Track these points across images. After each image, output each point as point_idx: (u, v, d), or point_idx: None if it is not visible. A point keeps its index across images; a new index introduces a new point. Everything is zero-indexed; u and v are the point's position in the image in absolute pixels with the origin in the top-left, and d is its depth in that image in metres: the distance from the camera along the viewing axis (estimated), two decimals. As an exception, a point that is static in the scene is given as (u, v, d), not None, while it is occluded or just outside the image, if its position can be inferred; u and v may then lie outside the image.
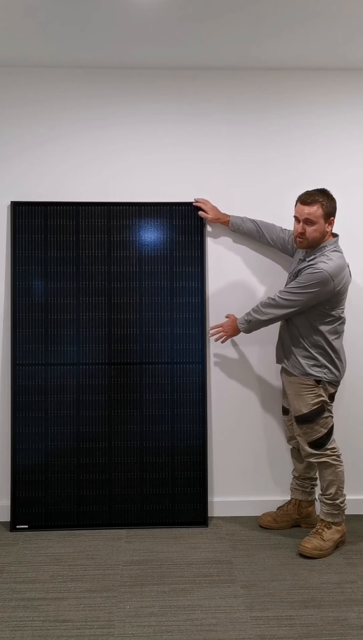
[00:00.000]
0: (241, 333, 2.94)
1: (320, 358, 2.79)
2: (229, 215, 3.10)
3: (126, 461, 3.11)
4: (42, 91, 3.12)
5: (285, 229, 3.05)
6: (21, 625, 2.25)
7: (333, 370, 2.82)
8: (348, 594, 2.47)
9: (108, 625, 2.25)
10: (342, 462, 2.85)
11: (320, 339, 2.78)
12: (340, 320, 2.82)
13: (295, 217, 2.78)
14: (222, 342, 3.03)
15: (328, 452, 2.82)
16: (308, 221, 2.72)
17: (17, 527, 3.05)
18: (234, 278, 3.19)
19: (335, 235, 2.83)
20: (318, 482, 2.94)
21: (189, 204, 3.14)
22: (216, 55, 2.97)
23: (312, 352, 2.79)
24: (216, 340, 3.02)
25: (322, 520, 2.86)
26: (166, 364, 3.12)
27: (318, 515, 2.96)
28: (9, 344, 3.13)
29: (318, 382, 2.81)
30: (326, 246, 2.77)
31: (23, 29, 2.69)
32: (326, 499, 2.83)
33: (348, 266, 2.81)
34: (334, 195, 2.78)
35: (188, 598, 2.44)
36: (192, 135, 3.16)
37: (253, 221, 3.08)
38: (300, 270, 2.78)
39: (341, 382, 2.90)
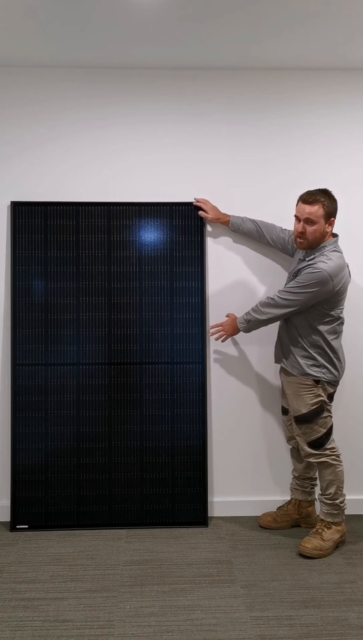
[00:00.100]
0: (241, 332, 2.94)
1: (319, 358, 2.79)
2: (229, 215, 3.10)
3: (126, 461, 3.11)
4: (42, 91, 3.12)
5: (285, 229, 3.05)
6: (21, 625, 2.25)
7: (332, 370, 2.82)
8: (348, 594, 2.47)
9: (108, 625, 2.25)
10: (341, 462, 2.85)
11: (319, 339, 2.79)
12: (339, 320, 2.82)
13: (295, 216, 2.78)
14: (222, 341, 3.04)
15: (327, 452, 2.82)
16: (308, 221, 2.72)
17: (17, 527, 3.06)
18: (234, 278, 3.19)
19: (335, 236, 2.83)
20: (318, 482, 2.94)
21: (189, 204, 3.14)
22: (216, 55, 2.97)
23: (311, 352, 2.79)
24: (217, 339, 3.02)
25: (322, 520, 2.86)
26: (166, 364, 3.13)
27: (318, 515, 2.96)
28: (9, 344, 3.13)
29: (317, 382, 2.81)
30: (326, 246, 2.77)
31: (23, 29, 2.69)
32: (326, 498, 2.84)
33: (347, 266, 2.81)
34: (335, 196, 2.78)
35: (188, 598, 2.44)
36: (192, 135, 3.16)
37: (253, 221, 3.08)
38: (299, 270, 2.78)
39: (340, 382, 2.90)
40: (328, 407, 2.85)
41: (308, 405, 2.80)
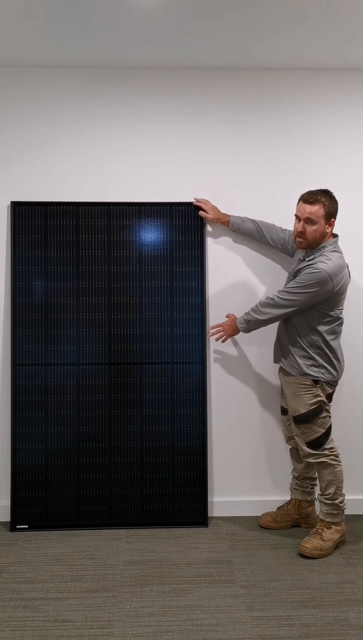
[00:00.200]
0: (241, 332, 2.94)
1: (318, 358, 2.79)
2: (229, 215, 3.10)
3: (126, 461, 3.11)
4: (42, 91, 3.12)
5: (285, 229, 3.05)
6: (21, 625, 2.25)
7: (331, 370, 2.82)
8: (348, 594, 2.47)
9: (108, 625, 2.25)
10: (340, 462, 2.85)
11: (318, 339, 2.79)
12: (339, 320, 2.82)
13: (296, 215, 2.78)
14: (222, 341, 3.04)
15: (326, 452, 2.82)
16: (309, 220, 2.72)
17: (17, 527, 3.06)
18: (234, 278, 3.19)
19: (335, 236, 2.83)
20: (317, 482, 2.94)
21: (189, 204, 3.14)
22: (216, 55, 2.97)
23: (310, 352, 2.79)
24: (217, 339, 3.02)
25: (322, 520, 2.86)
26: (166, 364, 3.13)
27: (317, 515, 2.96)
28: (9, 344, 3.13)
29: (316, 382, 2.81)
30: (325, 246, 2.77)
31: (23, 29, 2.69)
32: (325, 499, 2.84)
33: (347, 266, 2.81)
34: (336, 197, 2.78)
35: (188, 598, 2.44)
36: (192, 135, 3.16)
37: (253, 221, 3.08)
38: (299, 270, 2.78)
39: (339, 382, 2.90)
40: (327, 407, 2.85)
41: (307, 405, 2.80)
